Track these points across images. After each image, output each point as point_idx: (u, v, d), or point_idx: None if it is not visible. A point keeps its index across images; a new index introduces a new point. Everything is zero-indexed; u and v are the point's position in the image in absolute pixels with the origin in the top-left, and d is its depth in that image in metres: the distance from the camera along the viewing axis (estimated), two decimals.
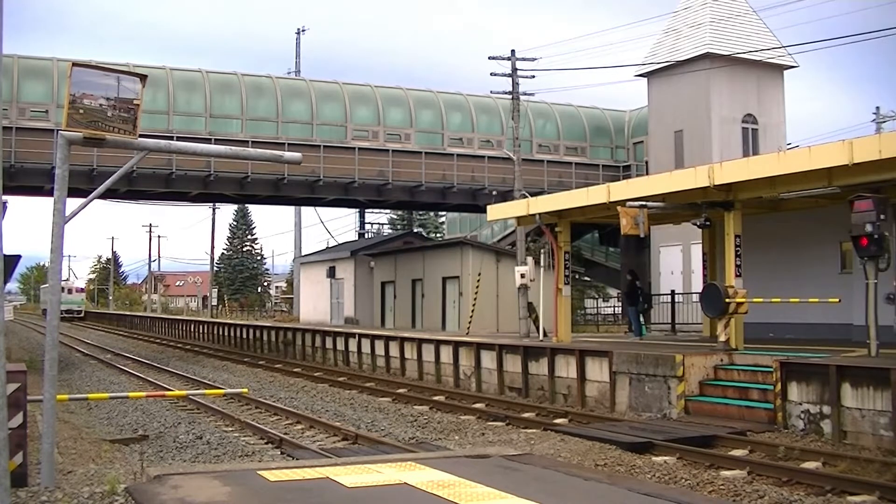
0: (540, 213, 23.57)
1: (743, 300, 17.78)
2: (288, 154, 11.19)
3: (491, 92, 32.46)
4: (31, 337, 53.08)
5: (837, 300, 18.42)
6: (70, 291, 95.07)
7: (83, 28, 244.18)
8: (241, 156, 14.29)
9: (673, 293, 31.25)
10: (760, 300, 18.77)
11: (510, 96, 30.95)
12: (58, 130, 10.04)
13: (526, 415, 18.24)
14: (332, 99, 34.86)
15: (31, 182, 29.81)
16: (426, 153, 35.16)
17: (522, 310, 27.65)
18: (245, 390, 16.59)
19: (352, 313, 42.91)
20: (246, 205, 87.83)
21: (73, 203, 9.82)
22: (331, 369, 30.09)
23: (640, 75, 36.51)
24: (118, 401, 20.45)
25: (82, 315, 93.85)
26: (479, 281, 31.73)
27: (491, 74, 30.82)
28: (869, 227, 14.96)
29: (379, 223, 61.40)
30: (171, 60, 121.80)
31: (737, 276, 18.10)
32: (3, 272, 7.96)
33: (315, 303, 48.24)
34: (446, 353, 24.97)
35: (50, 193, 10.47)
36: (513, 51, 30.80)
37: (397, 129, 35.16)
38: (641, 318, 26.35)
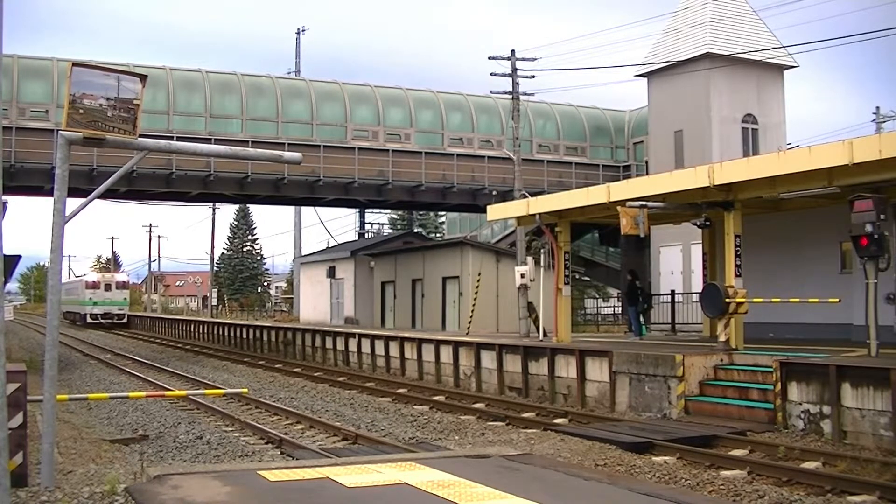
0: (540, 213, 23.57)
1: (743, 300, 17.79)
2: (288, 154, 11.19)
3: (491, 92, 32.47)
4: (31, 337, 53.07)
5: (837, 300, 18.42)
6: (108, 287, 71.05)
7: (84, 30, 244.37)
8: (241, 156, 14.29)
9: (673, 293, 31.25)
10: (760, 300, 18.78)
11: (510, 96, 30.95)
12: (58, 130, 10.03)
13: (526, 415, 18.24)
14: (332, 99, 34.85)
15: (31, 182, 29.80)
16: (426, 153, 35.14)
17: (522, 310, 27.65)
18: (245, 390, 16.61)
19: (352, 313, 42.91)
20: (246, 205, 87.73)
21: (73, 203, 9.82)
22: (331, 369, 30.10)
23: (640, 75, 36.50)
24: (118, 401, 20.45)
25: (125, 320, 71.19)
26: (479, 281, 31.72)
27: (491, 74, 30.86)
28: (869, 227, 14.97)
29: (379, 223, 61.46)
30: (171, 61, 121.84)
31: (737, 276, 18.10)
32: (3, 272, 7.96)
33: (315, 303, 48.25)
34: (446, 353, 24.97)
35: (50, 193, 10.47)
36: (513, 51, 30.85)
37: (397, 129, 35.16)
38: (641, 318, 26.36)
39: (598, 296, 56.92)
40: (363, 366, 30.16)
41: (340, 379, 26.75)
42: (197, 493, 8.03)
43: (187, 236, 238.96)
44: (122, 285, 73.90)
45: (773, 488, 10.72)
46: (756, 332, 21.06)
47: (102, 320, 69.64)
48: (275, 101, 33.60)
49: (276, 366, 32.17)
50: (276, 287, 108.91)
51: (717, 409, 16.13)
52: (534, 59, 31.38)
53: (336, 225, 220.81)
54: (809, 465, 11.91)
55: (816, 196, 17.08)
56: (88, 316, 70.56)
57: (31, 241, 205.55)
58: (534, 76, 31.40)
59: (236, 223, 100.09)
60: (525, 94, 31.64)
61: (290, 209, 56.17)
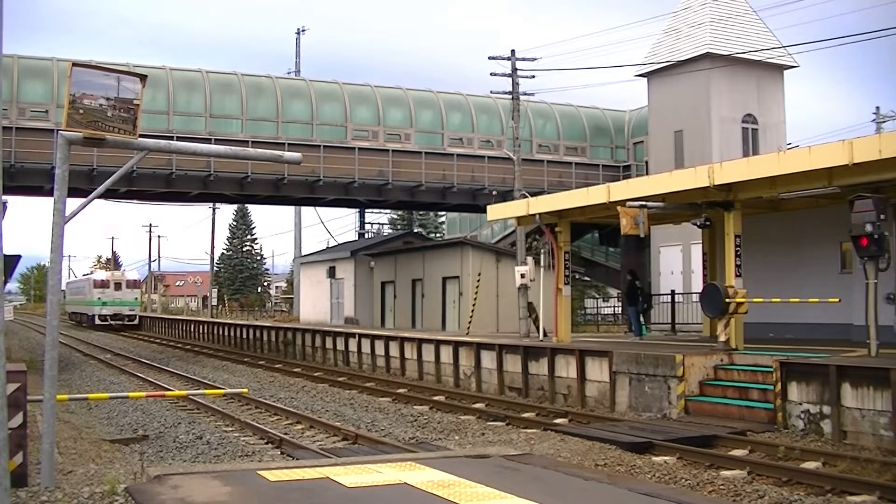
0: (540, 213, 23.57)
1: (743, 300, 17.78)
2: (288, 154, 11.20)
3: (491, 92, 32.46)
4: (31, 337, 53.06)
5: (837, 300, 18.43)
6: (118, 286, 66.81)
7: (85, 29, 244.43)
8: (241, 156, 14.30)
9: (673, 293, 31.25)
10: (760, 300, 18.78)
11: (510, 96, 30.94)
12: (58, 130, 10.04)
13: (526, 415, 18.24)
14: (332, 99, 34.85)
15: (31, 182, 29.81)
16: (426, 153, 35.15)
17: (522, 310, 27.64)
18: (245, 390, 16.62)
19: (352, 313, 42.90)
20: (246, 205, 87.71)
21: (73, 203, 9.82)
22: (331, 369, 30.10)
23: (640, 75, 36.51)
24: (118, 401, 20.45)
25: (136, 321, 67.00)
26: (479, 281, 31.72)
27: (491, 74, 30.84)
28: (869, 227, 14.97)
29: (379, 223, 61.43)
30: (172, 61, 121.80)
31: (737, 276, 18.10)
32: (3, 272, 7.96)
33: (315, 303, 48.24)
34: (446, 353, 24.96)
35: (50, 193, 10.47)
36: (513, 51, 30.83)
37: (397, 129, 35.16)
38: (641, 318, 26.35)
39: (598, 296, 56.90)
40: (363, 366, 30.16)
41: (340, 379, 26.75)
42: (197, 493, 8.02)
43: (187, 236, 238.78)
44: (133, 284, 69.11)
45: (773, 488, 10.72)
46: (756, 332, 21.05)
47: (112, 322, 65.15)
48: (275, 101, 33.60)
49: (276, 366, 32.17)
50: (276, 287, 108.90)
51: (717, 409, 16.12)
52: (534, 59, 31.40)
53: (336, 225, 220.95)
54: (809, 465, 11.91)
55: (816, 196, 17.08)
56: (97, 317, 66.29)
57: (31, 241, 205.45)
58: (534, 76, 31.42)
59: (236, 223, 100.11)
60: (525, 94, 31.63)
61: (290, 209, 56.17)
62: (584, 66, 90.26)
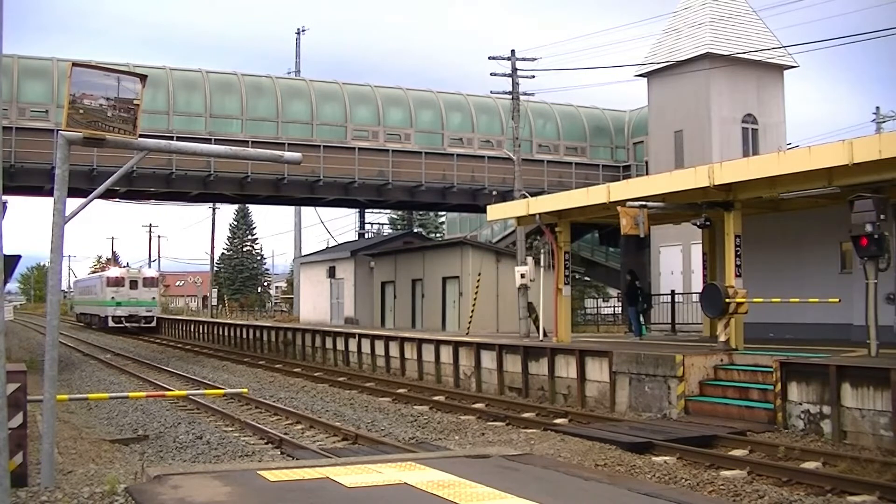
0: (540, 213, 23.58)
1: (743, 300, 17.78)
2: (288, 154, 11.19)
3: (491, 92, 32.46)
4: (31, 337, 53.05)
5: (837, 300, 18.43)
6: (134, 285, 61.15)
7: (86, 30, 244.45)
8: (241, 156, 14.28)
9: (673, 293, 31.25)
10: (760, 300, 18.78)
11: (510, 96, 30.94)
12: (58, 130, 10.04)
13: (526, 415, 18.24)
14: (332, 99, 34.85)
15: (31, 182, 29.81)
16: (426, 153, 35.15)
17: (522, 310, 27.65)
18: (245, 390, 16.61)
19: (352, 313, 42.91)
20: (246, 205, 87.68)
21: (73, 203, 9.82)
22: (331, 369, 30.09)
23: (640, 75, 36.49)
24: (118, 401, 20.45)
25: (153, 323, 61.49)
26: (479, 281, 31.72)
27: (491, 74, 30.85)
28: (869, 227, 14.97)
29: (379, 223, 61.44)
30: (173, 61, 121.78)
31: (737, 276, 18.10)
32: (3, 272, 7.96)
33: (315, 303, 48.25)
34: (446, 353, 24.96)
35: (50, 193, 10.48)
36: (513, 51, 30.83)
37: (397, 129, 35.16)
38: (641, 318, 26.35)
39: (598, 296, 56.88)
40: (363, 366, 30.16)
41: (340, 379, 26.75)
42: (197, 493, 8.02)
43: (187, 236, 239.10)
44: (151, 282, 62.87)
45: (773, 488, 10.72)
46: (756, 332, 21.05)
47: (127, 324, 59.92)
48: (275, 101, 33.60)
49: (277, 366, 32.17)
50: (276, 287, 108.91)
51: (717, 409, 16.12)
52: (534, 59, 31.40)
53: (336, 225, 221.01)
54: (809, 465, 11.91)
55: (816, 196, 17.07)
56: (110, 318, 60.54)
57: (31, 241, 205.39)
58: (534, 76, 31.42)
59: (236, 223, 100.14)
60: (525, 94, 31.63)
61: (290, 209, 56.19)
62: (584, 66, 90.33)
